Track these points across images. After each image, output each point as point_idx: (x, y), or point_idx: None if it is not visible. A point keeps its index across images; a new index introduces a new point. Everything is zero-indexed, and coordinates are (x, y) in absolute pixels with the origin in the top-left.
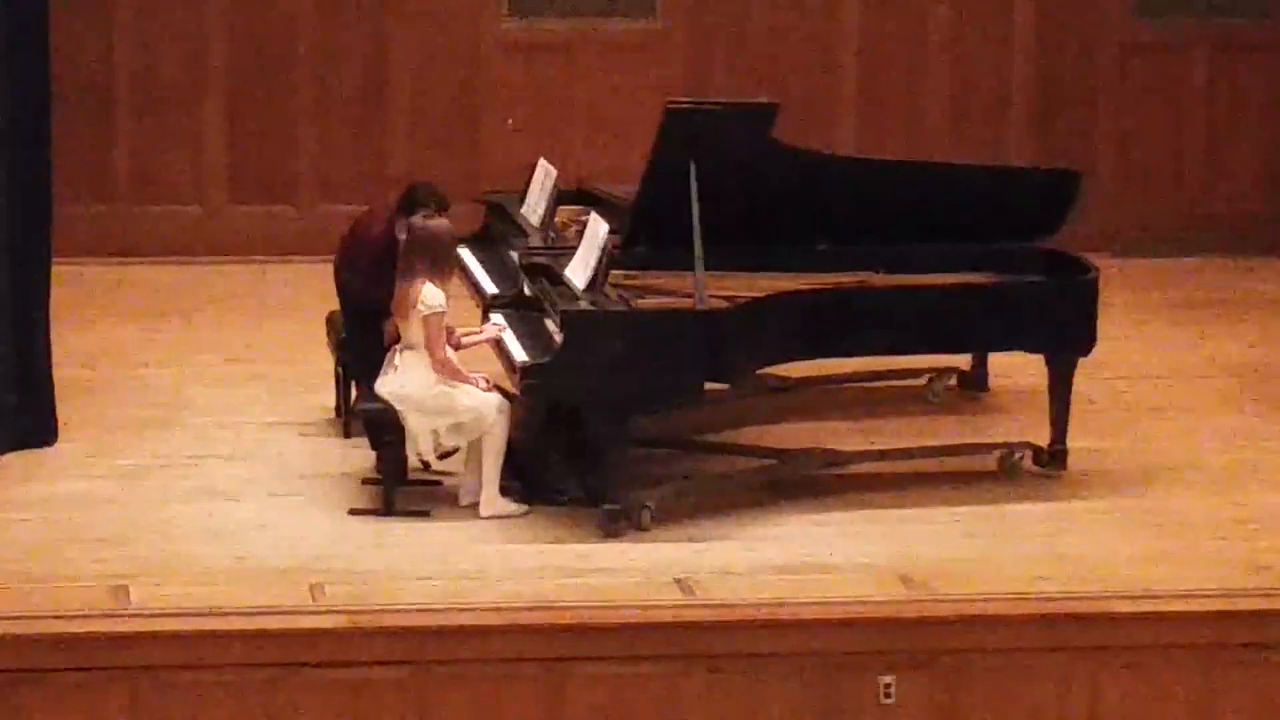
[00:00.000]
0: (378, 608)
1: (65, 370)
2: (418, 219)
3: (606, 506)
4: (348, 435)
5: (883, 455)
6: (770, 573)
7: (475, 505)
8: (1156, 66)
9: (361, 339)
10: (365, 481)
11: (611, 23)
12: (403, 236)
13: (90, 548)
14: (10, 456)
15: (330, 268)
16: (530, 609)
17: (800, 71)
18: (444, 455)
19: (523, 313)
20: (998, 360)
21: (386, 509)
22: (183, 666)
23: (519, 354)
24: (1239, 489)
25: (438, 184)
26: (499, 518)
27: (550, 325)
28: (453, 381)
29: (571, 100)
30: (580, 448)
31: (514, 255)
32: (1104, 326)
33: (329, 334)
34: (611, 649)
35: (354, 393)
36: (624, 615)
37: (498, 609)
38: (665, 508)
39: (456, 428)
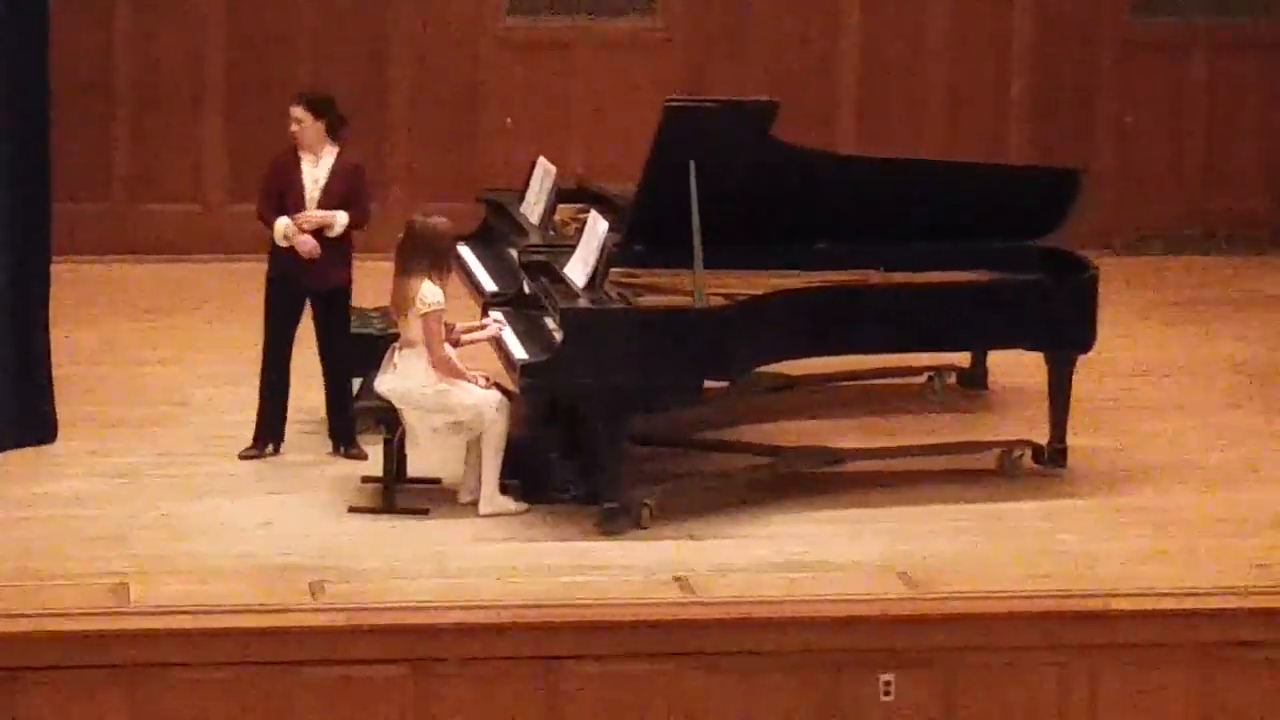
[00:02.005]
0: (377, 606)
1: (65, 368)
2: (418, 217)
3: (606, 504)
4: (336, 449)
5: (882, 453)
6: (770, 570)
7: (474, 503)
8: (1156, 66)
9: (331, 329)
10: (365, 480)
11: (611, 22)
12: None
13: (90, 546)
14: (10, 455)
15: None
16: (529, 607)
17: (800, 71)
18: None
19: (522, 311)
20: (997, 359)
21: (386, 507)
22: (182, 664)
23: (519, 352)
24: (1238, 488)
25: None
26: (498, 516)
27: (550, 323)
28: (452, 379)
29: (571, 99)
30: (579, 445)
31: (513, 253)
32: (1103, 325)
33: None
34: (611, 647)
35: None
36: (623, 613)
37: (497, 607)
38: (664, 506)
39: (455, 425)
